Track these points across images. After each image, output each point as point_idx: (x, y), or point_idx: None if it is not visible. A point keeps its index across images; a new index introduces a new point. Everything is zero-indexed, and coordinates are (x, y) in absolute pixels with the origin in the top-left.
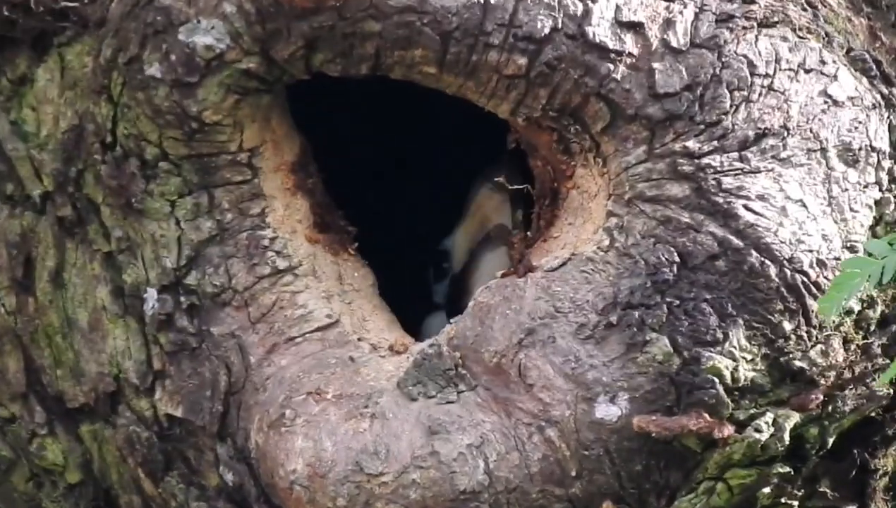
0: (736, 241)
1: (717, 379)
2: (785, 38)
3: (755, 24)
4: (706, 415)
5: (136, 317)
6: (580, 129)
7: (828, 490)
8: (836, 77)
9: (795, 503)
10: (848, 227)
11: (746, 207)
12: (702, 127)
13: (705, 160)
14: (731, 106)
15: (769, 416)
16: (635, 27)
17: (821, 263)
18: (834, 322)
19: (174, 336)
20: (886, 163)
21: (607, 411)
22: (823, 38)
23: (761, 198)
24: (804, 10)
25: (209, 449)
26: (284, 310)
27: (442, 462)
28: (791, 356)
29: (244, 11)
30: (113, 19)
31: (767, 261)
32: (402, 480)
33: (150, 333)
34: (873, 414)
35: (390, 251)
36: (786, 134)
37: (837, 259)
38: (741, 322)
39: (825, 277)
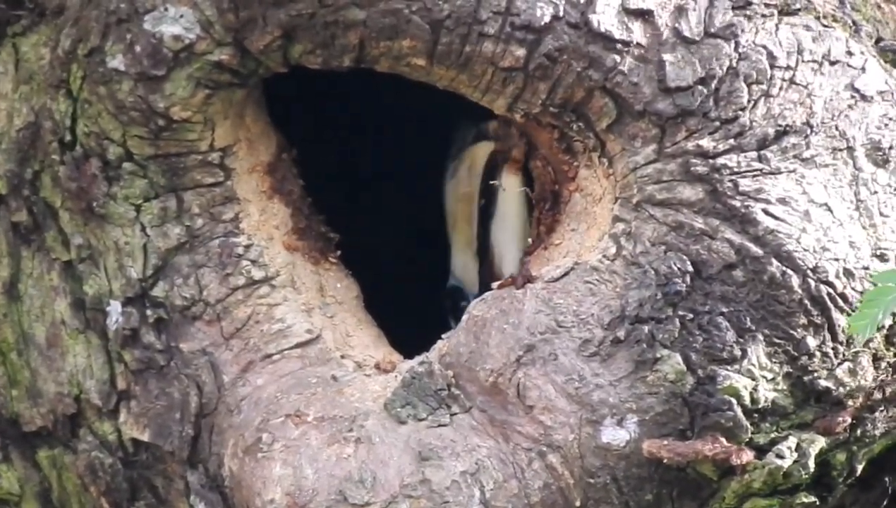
0: (755, 249)
1: (734, 400)
2: (808, 27)
3: (775, 12)
4: (723, 440)
5: (98, 333)
6: (583, 127)
7: None
8: (863, 69)
9: None
10: (877, 233)
11: (766, 212)
12: (717, 124)
13: (721, 160)
14: (748, 101)
15: (792, 441)
16: (644, 15)
17: (848, 273)
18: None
19: (140, 353)
20: None
21: (614, 435)
22: (850, 27)
23: (782, 201)
24: None
25: (179, 477)
26: (261, 325)
27: (434, 490)
28: (816, 375)
29: None
30: (72, 7)
31: (789, 271)
32: None
33: (114, 350)
34: None
35: (376, 259)
36: (809, 131)
37: (866, 268)
38: (761, 337)
39: (853, 288)
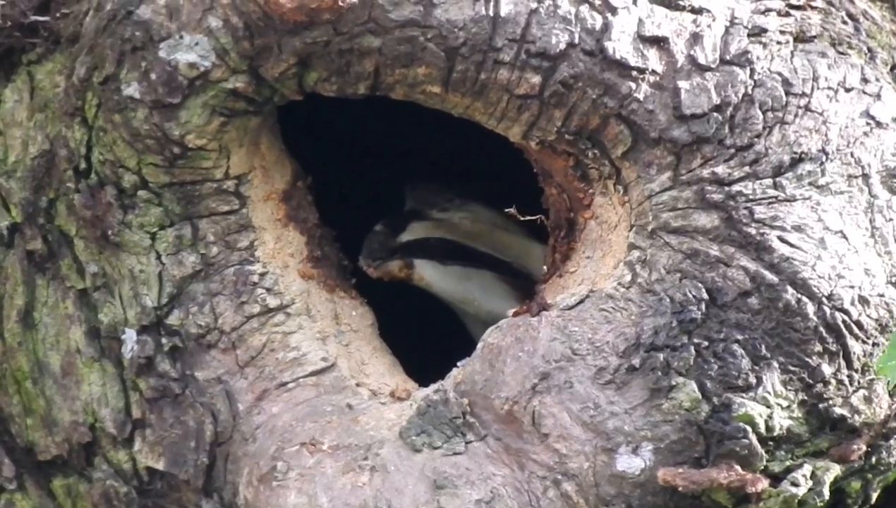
0: (770, 276)
1: (749, 428)
2: (823, 54)
3: (790, 39)
4: (738, 467)
5: (113, 361)
6: (599, 154)
7: None
8: (879, 96)
9: None
10: (893, 261)
11: (781, 239)
12: (732, 151)
13: (736, 187)
14: (764, 128)
15: (807, 468)
16: (659, 42)
17: (863, 300)
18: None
19: (155, 381)
20: None
21: (629, 463)
22: (865, 54)
23: (797, 228)
24: (844, 23)
25: (194, 505)
26: (276, 353)
27: None
28: (831, 402)
29: (231, 26)
30: (87, 35)
31: (804, 298)
32: None
33: (129, 378)
34: None
35: (391, 288)
36: (824, 158)
37: (881, 295)
38: (776, 365)
39: (868, 316)
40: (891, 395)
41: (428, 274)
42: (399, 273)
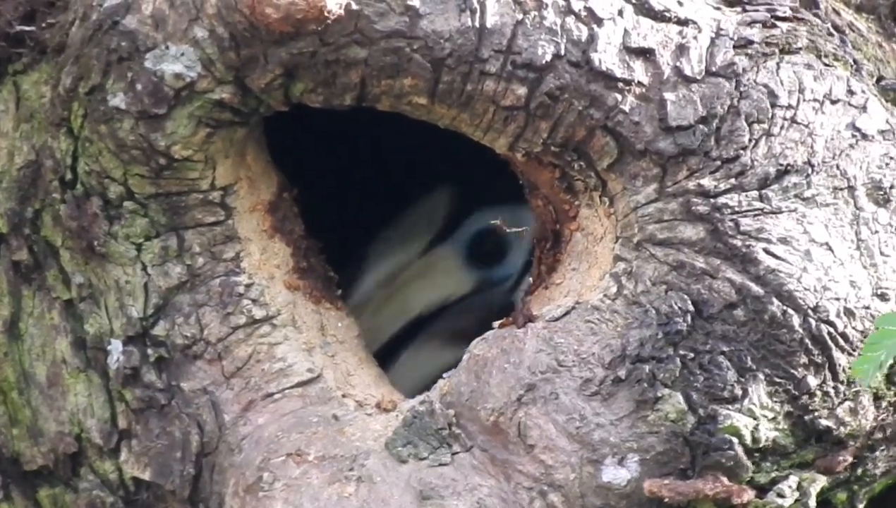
0: (756, 288)
1: (735, 440)
2: (809, 66)
3: (776, 51)
4: (724, 479)
5: (99, 372)
6: (585, 166)
7: None
8: (865, 108)
9: None
10: (878, 273)
11: (767, 251)
12: (718, 163)
13: (722, 199)
14: (750, 140)
15: (793, 480)
16: (645, 54)
17: (849, 312)
18: (870, 387)
19: (141, 392)
20: None
21: (615, 474)
22: (851, 66)
23: (783, 241)
24: (830, 35)
25: None
26: (261, 364)
27: None
28: (817, 414)
29: (217, 36)
30: (73, 45)
31: (790, 311)
32: None
33: (115, 389)
34: None
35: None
36: (810, 171)
37: (867, 307)
38: (762, 377)
39: (853, 328)
40: (876, 407)
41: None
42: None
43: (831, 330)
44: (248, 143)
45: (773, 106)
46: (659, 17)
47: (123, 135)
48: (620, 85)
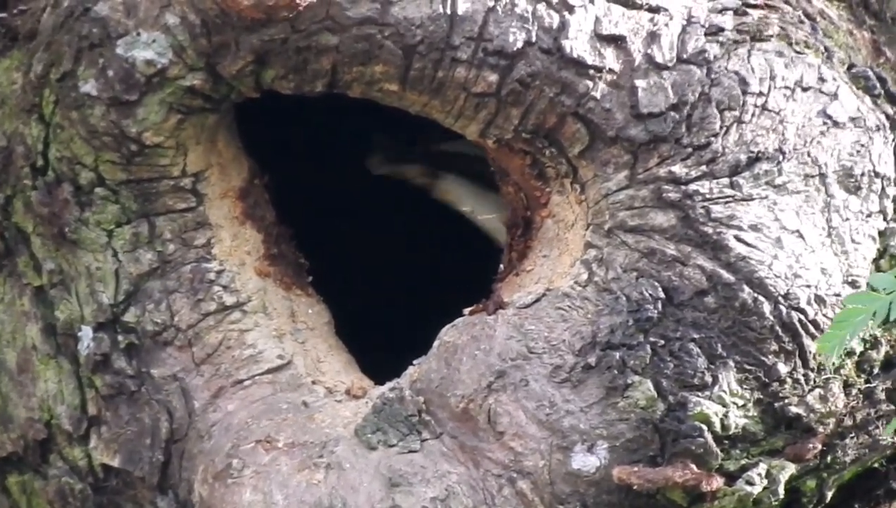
0: (726, 276)
1: (705, 427)
2: (780, 53)
3: (748, 38)
4: (693, 466)
5: (69, 358)
6: (556, 153)
7: None
8: (836, 96)
9: None
10: (849, 260)
11: (738, 238)
12: (689, 150)
13: (693, 186)
14: (721, 127)
15: (762, 467)
16: (616, 41)
17: (819, 300)
18: (834, 364)
19: (111, 378)
20: (891, 190)
21: (585, 461)
22: (822, 54)
23: (754, 228)
24: (801, 22)
25: (149, 503)
26: (232, 351)
27: None
28: (786, 401)
29: (188, 23)
30: (44, 32)
31: (761, 298)
32: None
33: (85, 375)
34: (876, 465)
35: (348, 285)
36: (781, 158)
37: (838, 295)
38: (732, 364)
39: (824, 315)
40: (846, 395)
41: (454, 190)
42: (418, 178)
43: (802, 317)
44: (219, 130)
45: (745, 93)
46: (630, 4)
47: (95, 122)
48: (591, 72)
